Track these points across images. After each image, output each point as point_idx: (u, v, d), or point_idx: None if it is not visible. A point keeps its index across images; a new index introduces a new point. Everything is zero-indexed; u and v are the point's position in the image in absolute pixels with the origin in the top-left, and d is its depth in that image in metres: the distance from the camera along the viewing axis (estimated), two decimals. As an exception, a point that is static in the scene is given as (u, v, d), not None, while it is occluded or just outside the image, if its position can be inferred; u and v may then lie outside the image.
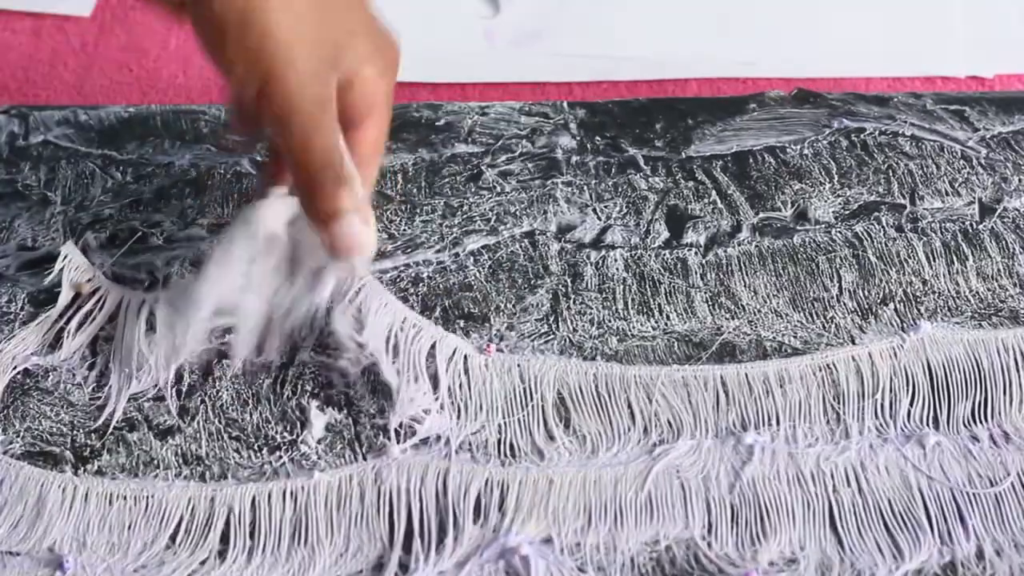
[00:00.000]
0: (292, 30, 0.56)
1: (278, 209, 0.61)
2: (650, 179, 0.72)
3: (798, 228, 0.70)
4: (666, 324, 0.65)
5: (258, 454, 0.60)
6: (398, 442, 0.60)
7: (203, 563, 0.57)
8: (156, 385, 0.63)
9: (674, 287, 0.67)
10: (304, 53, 0.56)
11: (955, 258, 0.68)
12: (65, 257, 0.67)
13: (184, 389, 0.63)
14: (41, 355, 0.64)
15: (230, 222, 0.62)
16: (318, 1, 0.57)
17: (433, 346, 0.63)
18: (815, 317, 0.65)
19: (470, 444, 0.60)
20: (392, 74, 0.62)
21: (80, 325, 0.65)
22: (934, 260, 0.68)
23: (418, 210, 0.71)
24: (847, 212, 0.70)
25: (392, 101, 0.63)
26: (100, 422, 0.62)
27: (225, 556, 0.57)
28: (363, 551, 0.57)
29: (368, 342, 0.62)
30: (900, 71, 0.80)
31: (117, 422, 0.62)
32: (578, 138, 0.75)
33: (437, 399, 0.61)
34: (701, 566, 0.56)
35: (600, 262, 0.68)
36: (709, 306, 0.66)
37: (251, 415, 0.62)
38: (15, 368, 0.64)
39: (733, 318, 0.65)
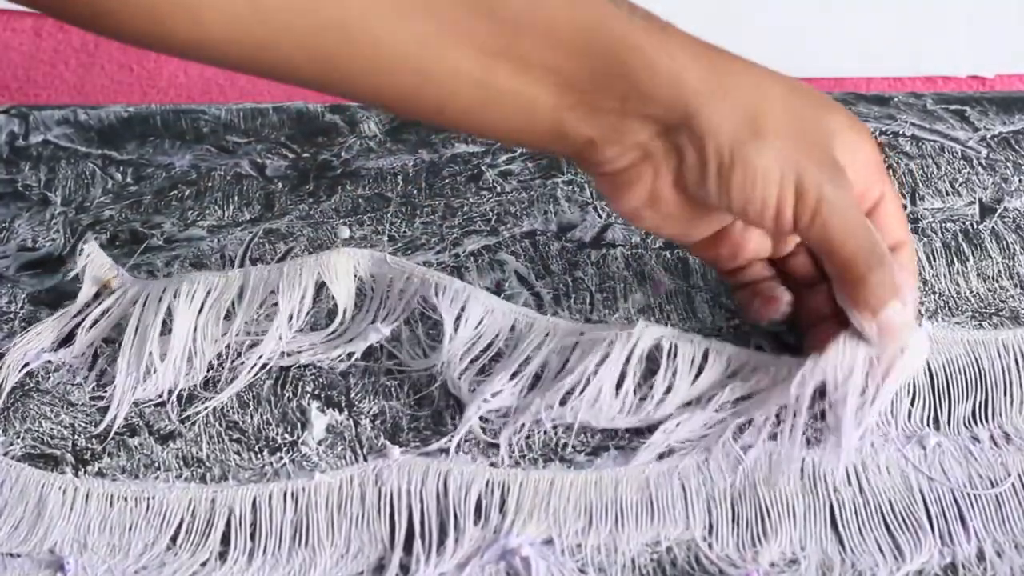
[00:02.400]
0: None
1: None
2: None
3: (799, 228, 0.69)
4: (667, 324, 0.65)
5: (259, 455, 0.60)
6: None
7: (204, 564, 0.57)
8: (161, 395, 0.63)
9: (675, 287, 0.67)
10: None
11: (955, 258, 0.68)
12: (88, 255, 0.67)
13: (185, 396, 0.63)
14: (52, 351, 0.64)
15: None
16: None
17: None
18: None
19: (469, 445, 0.60)
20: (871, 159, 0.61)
21: (95, 322, 0.65)
22: (934, 260, 0.68)
23: (418, 211, 0.71)
24: (848, 212, 0.70)
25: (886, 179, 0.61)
26: (102, 427, 0.62)
27: (226, 557, 0.57)
28: (364, 552, 0.57)
29: None
30: (901, 71, 0.80)
31: (118, 428, 0.62)
32: (578, 138, 0.74)
33: None
34: (702, 567, 0.56)
35: (601, 261, 0.68)
36: (709, 306, 0.66)
37: (252, 416, 0.62)
38: (26, 364, 0.64)
39: (733, 318, 0.65)
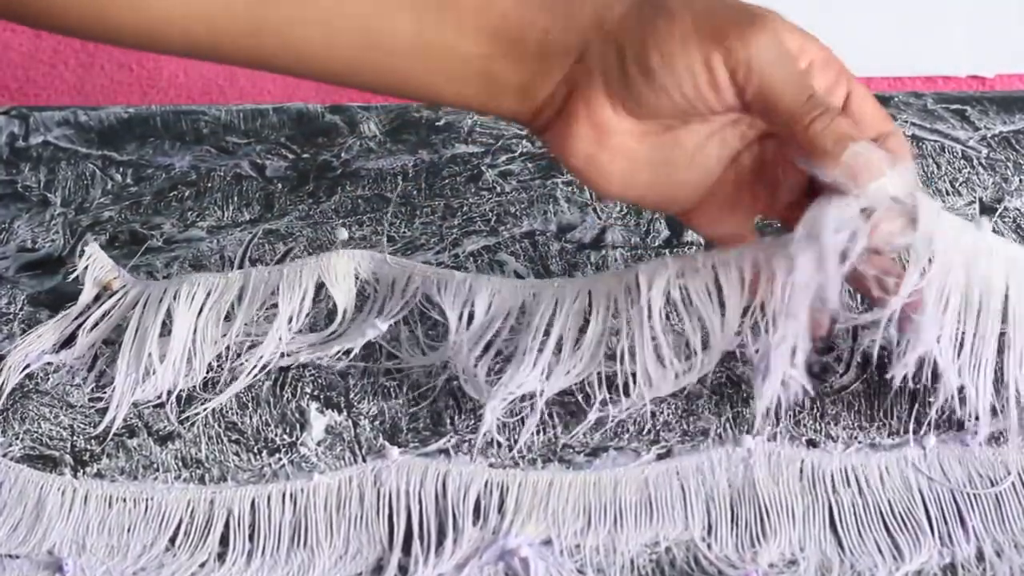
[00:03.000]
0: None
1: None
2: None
3: (798, 228, 0.69)
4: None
5: (258, 456, 0.60)
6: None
7: (202, 565, 0.57)
8: (160, 396, 0.63)
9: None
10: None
11: (955, 258, 0.68)
12: (89, 256, 0.67)
13: (184, 396, 0.63)
14: (53, 353, 0.64)
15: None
16: None
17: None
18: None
19: (469, 446, 0.60)
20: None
21: (96, 324, 0.65)
22: (934, 260, 0.68)
23: (418, 211, 0.71)
24: (847, 212, 0.70)
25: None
26: (101, 428, 0.62)
27: (224, 558, 0.57)
28: (362, 553, 0.57)
29: None
30: (901, 70, 0.80)
31: (117, 428, 0.62)
32: (578, 138, 0.74)
33: None
34: (701, 568, 0.56)
35: (600, 262, 0.68)
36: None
37: (251, 417, 0.62)
38: (27, 366, 0.64)
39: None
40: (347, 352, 0.64)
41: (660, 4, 0.56)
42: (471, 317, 0.64)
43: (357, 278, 0.67)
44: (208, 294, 0.66)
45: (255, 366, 0.63)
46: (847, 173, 0.54)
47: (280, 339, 0.64)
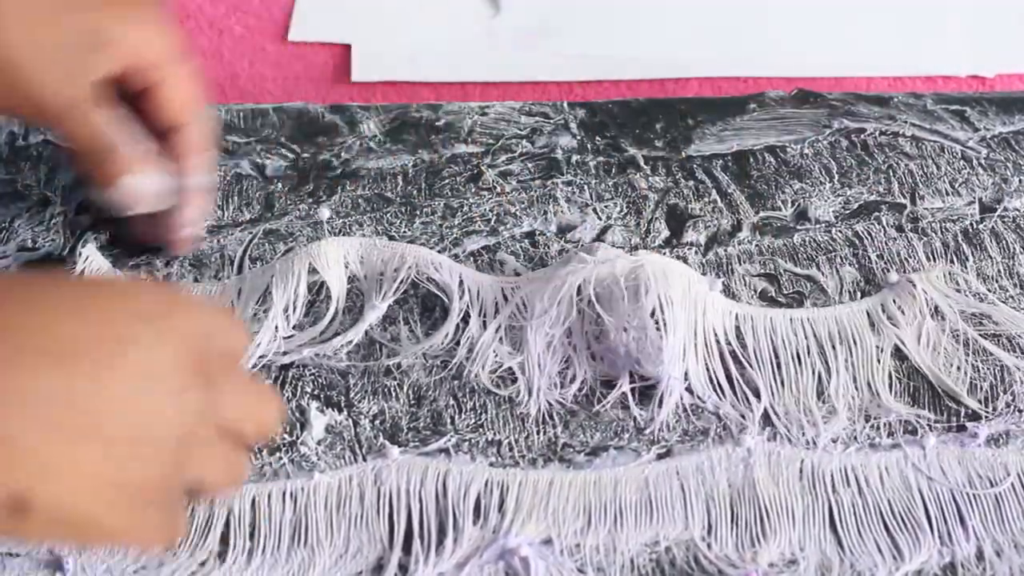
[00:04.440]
0: (30, 48, 0.60)
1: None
2: (650, 179, 0.72)
3: (798, 227, 0.70)
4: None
5: (258, 455, 0.60)
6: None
7: (203, 564, 0.57)
8: None
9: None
10: (47, 66, 0.60)
11: (955, 258, 0.68)
12: (86, 258, 0.68)
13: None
14: None
15: None
16: (55, 10, 0.61)
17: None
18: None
19: (469, 445, 0.60)
20: (166, 52, 0.64)
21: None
22: (934, 260, 0.68)
23: (418, 211, 0.70)
24: (847, 212, 0.70)
25: (191, 85, 0.66)
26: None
27: (225, 557, 0.57)
28: (363, 552, 0.57)
29: None
30: (901, 70, 0.80)
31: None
32: (578, 138, 0.74)
33: None
34: (701, 567, 0.56)
35: (600, 262, 0.68)
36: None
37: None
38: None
39: (733, 318, 0.65)
40: (349, 342, 0.64)
41: None
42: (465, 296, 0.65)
43: (347, 265, 0.67)
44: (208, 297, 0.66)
45: (253, 356, 0.63)
46: (123, 203, 0.64)
47: (276, 328, 0.64)
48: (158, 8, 0.64)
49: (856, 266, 0.67)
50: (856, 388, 0.62)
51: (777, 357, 0.63)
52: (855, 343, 0.63)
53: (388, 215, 0.70)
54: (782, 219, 0.70)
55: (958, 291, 0.66)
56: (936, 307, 0.65)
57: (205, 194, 0.67)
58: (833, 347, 0.64)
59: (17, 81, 0.60)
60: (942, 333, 0.64)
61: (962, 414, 0.61)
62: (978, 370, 0.63)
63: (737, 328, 0.64)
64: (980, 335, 0.64)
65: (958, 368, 0.63)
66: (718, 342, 0.64)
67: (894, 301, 0.65)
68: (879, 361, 0.63)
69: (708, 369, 0.63)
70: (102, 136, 0.63)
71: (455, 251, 0.68)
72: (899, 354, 0.63)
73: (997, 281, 0.67)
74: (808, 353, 0.63)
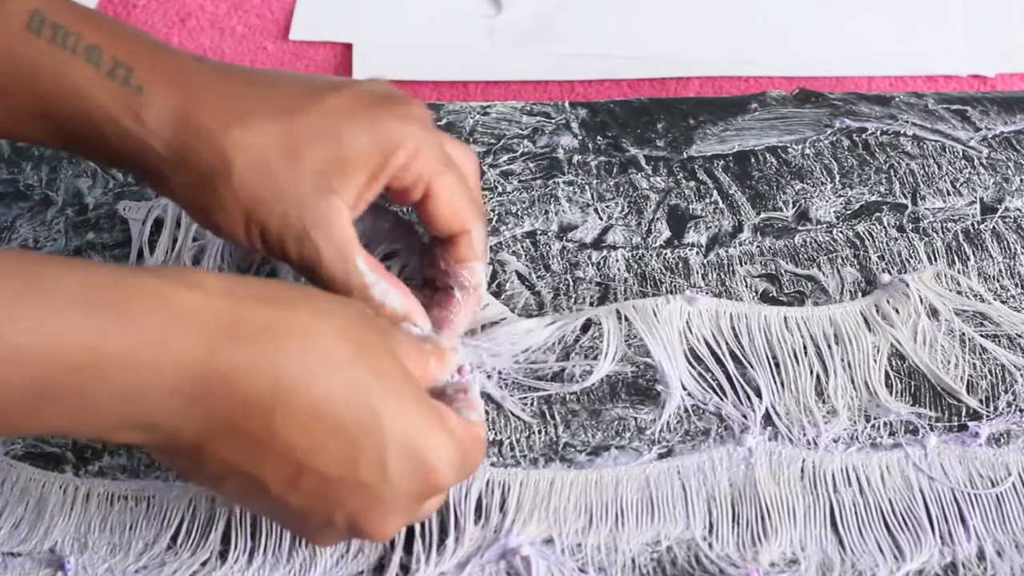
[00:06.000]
0: (259, 186, 0.56)
1: None
2: (651, 179, 0.72)
3: (799, 228, 0.70)
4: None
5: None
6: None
7: (204, 564, 0.57)
8: None
9: (675, 287, 0.67)
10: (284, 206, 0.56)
11: (956, 258, 0.68)
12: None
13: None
14: None
15: None
16: (285, 144, 0.56)
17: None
18: (816, 317, 0.65)
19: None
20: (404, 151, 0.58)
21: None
22: (935, 260, 0.68)
23: (419, 210, 0.71)
24: (848, 212, 0.70)
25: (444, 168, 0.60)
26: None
27: (226, 557, 0.57)
28: (364, 552, 0.57)
29: None
30: (902, 70, 0.80)
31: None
32: (580, 138, 0.74)
33: None
34: (702, 567, 0.56)
35: (601, 262, 0.68)
36: (710, 306, 0.66)
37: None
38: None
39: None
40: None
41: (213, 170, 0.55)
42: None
43: None
44: None
45: None
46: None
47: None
48: (417, 108, 0.60)
49: (857, 267, 0.67)
50: (854, 388, 0.62)
51: (774, 356, 0.63)
52: (851, 343, 0.64)
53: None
54: (783, 220, 0.70)
55: (951, 291, 0.66)
56: (931, 306, 0.65)
57: (481, 299, 0.63)
58: (829, 347, 0.64)
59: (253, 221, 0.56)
60: (938, 331, 0.64)
61: (963, 413, 0.62)
62: (975, 367, 0.63)
63: (733, 328, 0.64)
64: (980, 334, 0.64)
65: (955, 366, 0.63)
66: (718, 343, 0.64)
67: (888, 301, 0.65)
68: (875, 361, 0.63)
69: (708, 371, 0.63)
70: (351, 277, 0.58)
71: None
72: (899, 354, 0.63)
73: (998, 281, 0.67)
74: (805, 353, 0.63)
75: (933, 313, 0.65)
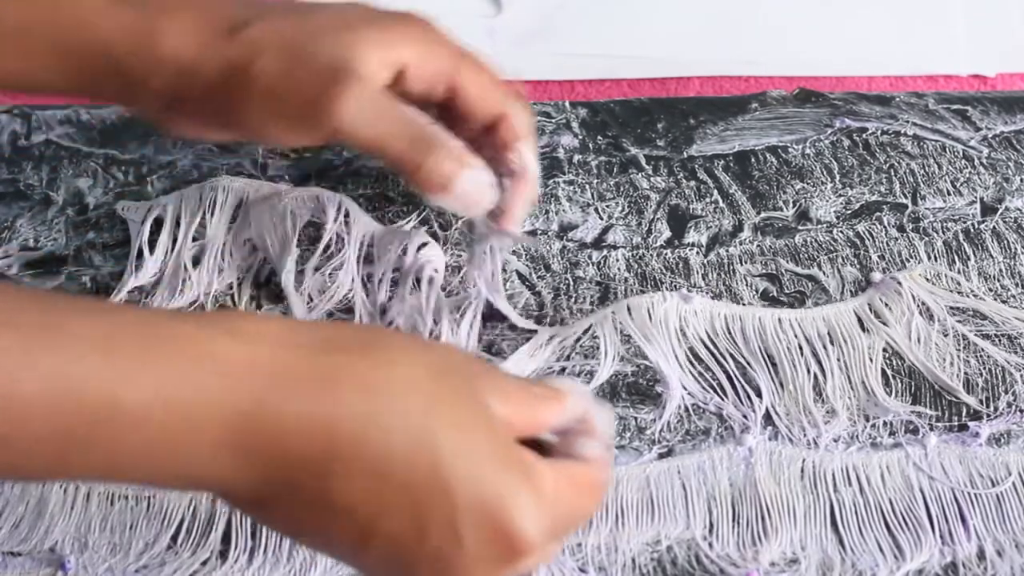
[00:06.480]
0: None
1: None
2: (652, 179, 0.72)
3: (800, 228, 0.70)
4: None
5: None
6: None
7: (204, 563, 0.57)
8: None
9: (676, 287, 0.67)
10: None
11: (957, 258, 0.68)
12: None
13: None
14: None
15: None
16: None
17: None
18: (817, 317, 0.65)
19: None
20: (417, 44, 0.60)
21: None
22: (936, 260, 0.68)
23: (419, 211, 0.70)
24: (849, 212, 0.70)
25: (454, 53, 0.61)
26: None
27: (227, 556, 0.57)
28: (364, 551, 0.57)
29: None
30: (902, 70, 0.80)
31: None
32: (580, 137, 0.74)
33: None
34: (702, 566, 0.56)
35: (602, 262, 0.68)
36: (711, 306, 0.66)
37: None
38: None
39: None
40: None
41: (246, 73, 0.56)
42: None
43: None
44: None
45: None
46: (459, 204, 0.59)
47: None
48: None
49: (857, 266, 0.67)
50: (852, 388, 0.62)
51: (771, 357, 0.63)
52: (846, 342, 0.64)
53: (390, 214, 0.70)
54: (784, 219, 0.70)
55: (944, 288, 0.66)
56: (924, 304, 0.65)
57: (535, 181, 0.64)
58: (825, 347, 0.64)
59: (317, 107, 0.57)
60: (932, 329, 0.64)
61: (964, 413, 0.62)
62: (970, 364, 0.63)
63: (729, 329, 0.64)
64: (976, 333, 0.64)
65: (951, 363, 0.63)
66: (715, 344, 0.64)
67: (881, 299, 0.65)
68: (871, 360, 0.63)
69: (708, 370, 0.63)
70: (423, 135, 0.58)
71: (456, 251, 0.68)
72: (898, 353, 0.63)
73: (999, 280, 0.67)
74: (801, 353, 0.63)
75: (927, 311, 0.65)
